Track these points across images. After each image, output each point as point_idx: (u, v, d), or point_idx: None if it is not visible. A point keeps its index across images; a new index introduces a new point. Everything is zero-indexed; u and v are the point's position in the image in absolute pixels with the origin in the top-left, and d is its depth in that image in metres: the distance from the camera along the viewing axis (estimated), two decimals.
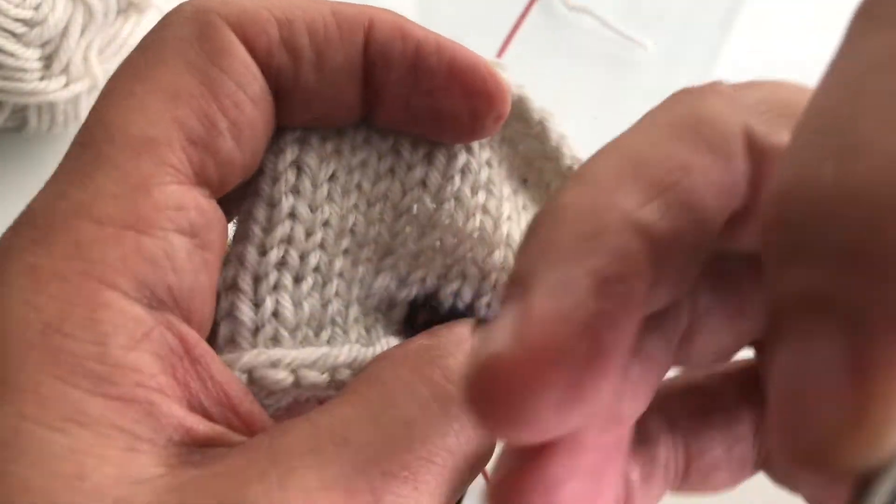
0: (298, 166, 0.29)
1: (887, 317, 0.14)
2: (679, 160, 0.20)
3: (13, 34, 0.50)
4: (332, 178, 0.30)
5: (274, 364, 0.27)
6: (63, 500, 0.20)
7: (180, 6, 0.27)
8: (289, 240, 0.29)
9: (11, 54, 0.50)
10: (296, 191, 0.29)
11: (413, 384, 0.26)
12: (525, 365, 0.17)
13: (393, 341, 0.30)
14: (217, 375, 0.24)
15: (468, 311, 0.31)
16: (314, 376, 0.27)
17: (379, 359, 0.28)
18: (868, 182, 0.14)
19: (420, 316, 0.31)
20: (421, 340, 0.29)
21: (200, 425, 0.23)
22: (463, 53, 0.29)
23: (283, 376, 0.27)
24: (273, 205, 0.29)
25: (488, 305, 0.31)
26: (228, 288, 0.28)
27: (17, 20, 0.49)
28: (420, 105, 0.29)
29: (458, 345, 0.29)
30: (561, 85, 0.35)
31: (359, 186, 0.31)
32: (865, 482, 0.15)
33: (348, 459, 0.23)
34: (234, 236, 0.29)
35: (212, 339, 0.28)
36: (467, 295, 0.31)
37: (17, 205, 0.25)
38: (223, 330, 0.28)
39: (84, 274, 0.23)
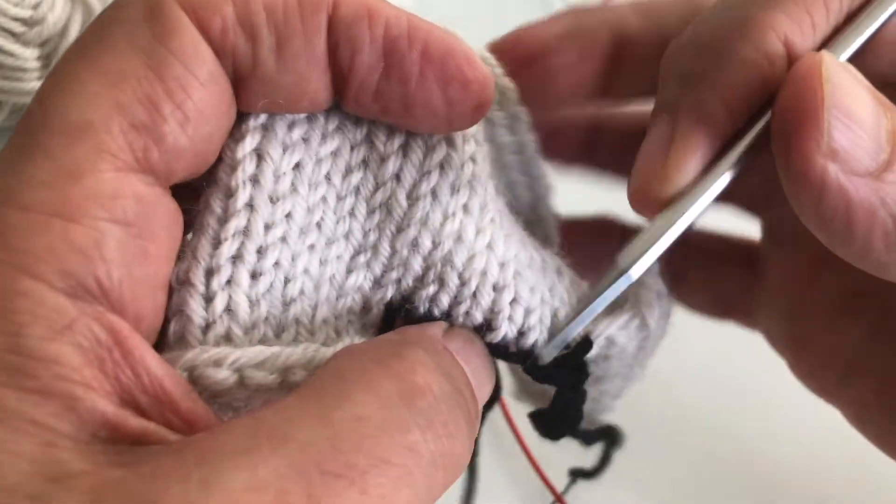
0: (259, 154, 0.28)
1: (688, 110, 0.28)
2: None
3: (12, 33, 0.50)
4: (297, 167, 0.28)
5: (216, 363, 0.25)
6: None
7: None
8: (245, 232, 0.27)
9: (10, 54, 0.50)
10: (255, 180, 0.27)
11: (375, 377, 0.24)
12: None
13: None
14: (154, 370, 0.23)
15: (445, 319, 0.29)
16: (261, 377, 0.25)
17: (342, 352, 0.26)
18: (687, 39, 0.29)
19: (396, 322, 0.29)
20: (388, 336, 0.27)
21: (131, 421, 0.22)
22: (438, 36, 0.27)
23: (224, 376, 0.25)
24: (229, 195, 0.27)
25: (467, 314, 0.29)
26: (180, 283, 0.27)
27: (16, 19, 0.49)
28: (391, 93, 0.27)
29: (429, 341, 0.27)
30: None
31: (328, 178, 0.29)
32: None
33: (285, 459, 0.21)
34: (193, 228, 0.28)
35: (163, 337, 0.26)
36: (444, 301, 0.29)
37: None
38: (172, 327, 0.26)
39: (4, 262, 0.22)
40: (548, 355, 0.29)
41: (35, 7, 0.50)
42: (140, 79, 0.24)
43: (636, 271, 0.26)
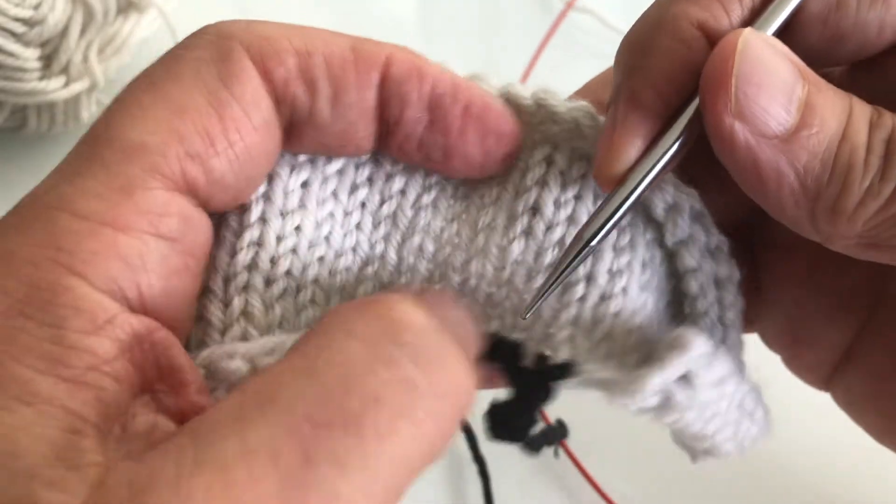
0: (269, 175, 0.30)
1: (624, 98, 0.30)
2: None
3: (13, 34, 0.50)
4: (304, 185, 0.30)
5: (230, 355, 0.26)
6: None
7: (205, 27, 0.28)
8: (258, 243, 0.29)
9: (11, 54, 0.50)
10: (266, 197, 0.30)
11: (355, 320, 0.23)
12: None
13: None
14: (177, 360, 0.24)
15: None
16: (271, 362, 0.26)
17: (328, 311, 0.25)
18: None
19: None
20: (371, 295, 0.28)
21: (151, 416, 0.23)
22: (478, 94, 0.30)
23: (237, 365, 0.26)
24: (244, 210, 0.30)
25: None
26: (202, 293, 0.28)
27: (17, 20, 0.49)
28: (433, 143, 0.30)
29: (406, 293, 0.25)
30: (560, 82, 0.35)
31: (335, 195, 0.31)
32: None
33: (274, 420, 0.20)
34: (213, 246, 0.29)
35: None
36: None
37: None
38: (194, 334, 0.28)
39: (53, 261, 0.23)
40: (525, 319, 0.31)
41: (36, 7, 0.50)
42: (201, 113, 0.26)
43: (597, 239, 0.29)
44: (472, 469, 0.48)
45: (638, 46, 0.31)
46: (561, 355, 0.30)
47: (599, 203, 0.31)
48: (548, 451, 0.51)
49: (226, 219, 0.30)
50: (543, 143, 0.32)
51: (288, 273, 0.30)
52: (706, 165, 0.31)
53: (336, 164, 0.31)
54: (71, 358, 0.22)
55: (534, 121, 0.32)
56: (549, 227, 0.32)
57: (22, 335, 0.22)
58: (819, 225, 0.29)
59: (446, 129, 0.30)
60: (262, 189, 0.30)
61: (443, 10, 0.66)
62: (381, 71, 0.29)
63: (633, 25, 0.32)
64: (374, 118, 0.29)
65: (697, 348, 0.29)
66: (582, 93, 0.37)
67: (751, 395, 0.33)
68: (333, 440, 0.20)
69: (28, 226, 0.24)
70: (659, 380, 0.28)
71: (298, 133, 0.29)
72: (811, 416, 0.45)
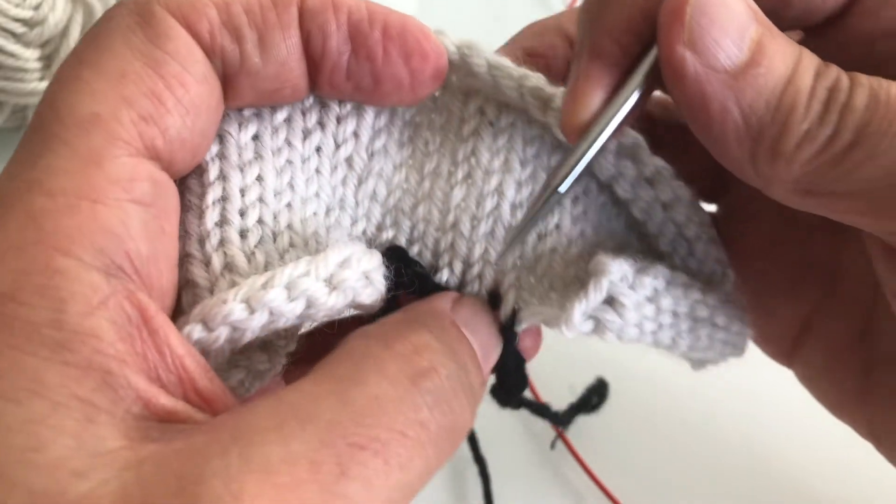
0: (219, 135, 0.30)
1: (586, 51, 0.31)
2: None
3: (13, 34, 0.50)
4: (255, 138, 0.31)
5: (223, 300, 0.26)
6: (17, 474, 0.20)
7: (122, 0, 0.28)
8: (223, 199, 0.29)
9: (11, 54, 0.50)
10: (221, 156, 0.30)
11: (383, 360, 0.26)
12: None
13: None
14: (176, 349, 0.24)
15: (405, 260, 0.32)
16: (266, 295, 0.27)
17: (353, 335, 0.28)
18: None
19: (402, 298, 0.32)
20: (396, 316, 0.29)
21: (161, 398, 0.23)
22: (394, 16, 0.30)
23: (231, 307, 0.26)
24: (202, 172, 0.30)
25: (419, 254, 0.33)
26: (181, 259, 0.28)
27: (17, 20, 0.50)
28: (360, 71, 0.30)
29: (435, 319, 0.29)
30: None
31: (289, 143, 0.32)
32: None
33: (313, 434, 0.22)
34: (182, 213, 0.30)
35: (175, 317, 0.27)
36: (402, 242, 0.33)
37: None
38: (184, 299, 0.28)
39: (39, 243, 0.23)
40: (499, 266, 0.33)
41: (36, 8, 0.50)
42: (141, 76, 0.26)
43: (564, 186, 0.31)
44: (473, 470, 0.48)
45: (599, 1, 0.31)
46: (511, 296, 0.33)
47: (532, 149, 0.34)
48: (546, 447, 0.52)
49: (187, 185, 0.30)
50: (476, 95, 0.34)
51: (260, 221, 0.30)
52: (669, 135, 0.32)
53: (282, 113, 0.32)
54: (74, 342, 0.22)
55: (460, 73, 0.33)
56: (487, 174, 0.34)
57: (19, 323, 0.22)
58: (759, 167, 0.29)
59: (370, 54, 0.30)
60: (214, 149, 0.30)
61: (443, 10, 0.66)
62: (297, 6, 0.29)
63: None
64: (303, 55, 0.29)
65: (613, 273, 0.31)
66: (512, 44, 0.37)
67: (713, 305, 0.34)
68: (365, 461, 0.23)
69: (2, 214, 0.23)
70: (581, 309, 0.30)
71: (234, 85, 0.29)
72: (806, 409, 0.45)
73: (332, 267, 0.28)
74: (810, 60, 0.29)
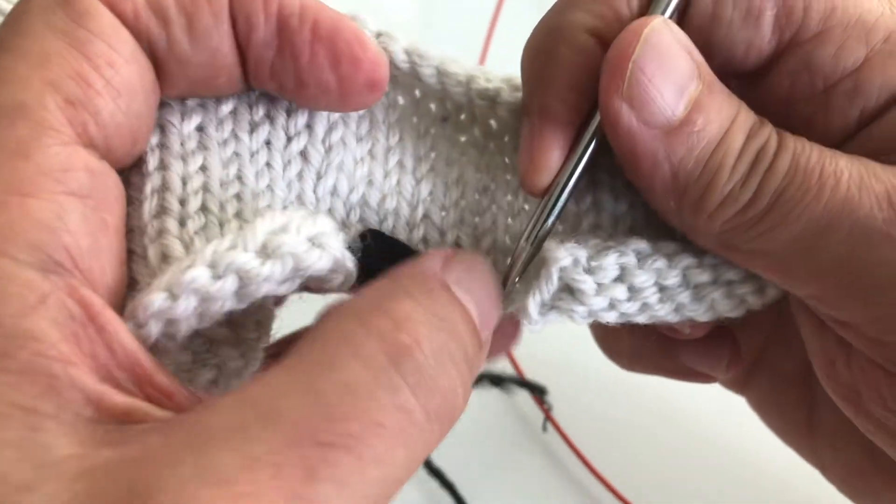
0: (160, 124, 0.29)
1: (536, 113, 0.31)
2: None
3: None
4: (199, 129, 0.30)
5: (149, 292, 0.24)
6: None
7: None
8: (163, 188, 0.28)
9: None
10: (162, 146, 0.29)
11: (357, 339, 0.23)
12: None
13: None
14: (128, 344, 0.23)
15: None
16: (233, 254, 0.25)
17: (326, 315, 0.25)
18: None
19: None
20: (377, 284, 0.26)
21: (114, 397, 0.21)
22: (328, 15, 0.28)
23: (152, 299, 0.24)
24: (141, 164, 0.28)
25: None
26: (128, 258, 0.27)
27: None
28: (285, 70, 0.28)
29: (420, 283, 0.26)
30: None
31: (235, 136, 0.30)
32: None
33: (279, 434, 0.21)
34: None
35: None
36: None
37: None
38: (128, 303, 0.26)
39: None
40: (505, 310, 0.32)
41: None
42: (65, 57, 0.24)
43: (535, 238, 0.31)
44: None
45: (540, 56, 0.31)
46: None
47: (486, 137, 0.34)
48: (537, 427, 0.54)
49: (129, 180, 0.28)
50: (426, 95, 0.34)
51: (204, 209, 0.28)
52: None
53: (228, 105, 0.31)
54: (11, 347, 0.20)
55: (409, 74, 0.32)
56: (448, 165, 0.34)
57: None
58: (683, 217, 0.30)
59: (294, 52, 0.28)
60: (155, 139, 0.29)
61: (443, 9, 0.67)
62: None
63: (533, 32, 0.32)
64: (234, 43, 0.28)
65: (562, 259, 0.30)
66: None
67: (716, 264, 0.32)
68: (336, 460, 0.21)
69: None
70: (535, 302, 0.30)
71: (165, 71, 0.27)
72: None
73: (262, 235, 0.25)
74: (745, 119, 0.29)
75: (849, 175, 0.28)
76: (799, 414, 0.40)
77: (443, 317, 0.25)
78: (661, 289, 0.31)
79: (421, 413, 0.23)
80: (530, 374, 0.55)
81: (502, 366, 0.55)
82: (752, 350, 0.41)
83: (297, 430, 0.21)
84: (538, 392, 0.53)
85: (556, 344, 0.51)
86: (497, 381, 0.53)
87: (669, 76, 0.28)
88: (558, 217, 0.31)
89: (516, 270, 0.31)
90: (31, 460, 0.19)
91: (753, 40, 0.30)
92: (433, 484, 0.50)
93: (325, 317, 0.25)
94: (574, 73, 0.30)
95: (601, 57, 0.29)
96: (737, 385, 0.43)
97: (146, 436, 0.21)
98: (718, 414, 0.52)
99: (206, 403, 0.22)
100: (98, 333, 0.22)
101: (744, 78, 0.31)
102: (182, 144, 0.29)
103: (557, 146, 0.31)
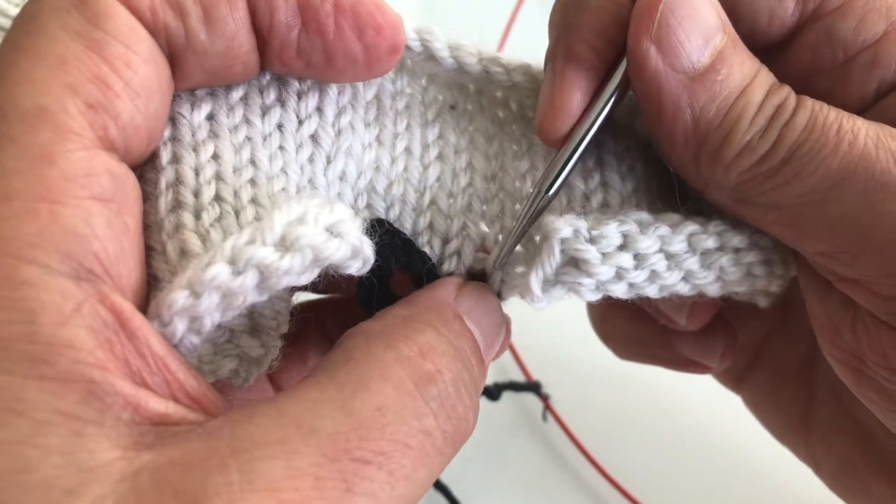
0: (171, 118, 0.29)
1: (561, 56, 0.31)
2: None
3: None
4: (210, 118, 0.30)
5: (171, 291, 0.25)
6: (6, 498, 0.19)
7: None
8: (176, 182, 0.28)
9: None
10: (174, 139, 0.29)
11: (386, 363, 0.25)
12: None
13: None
14: (157, 350, 0.23)
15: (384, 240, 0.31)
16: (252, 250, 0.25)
17: (353, 333, 0.27)
18: None
19: (395, 275, 0.31)
20: (397, 310, 0.28)
21: (150, 401, 0.22)
22: None
23: (175, 297, 0.25)
24: (154, 159, 0.29)
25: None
26: (146, 254, 0.27)
27: None
28: (312, 47, 0.29)
29: (438, 312, 0.28)
30: None
31: (247, 121, 0.30)
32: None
33: (316, 448, 0.22)
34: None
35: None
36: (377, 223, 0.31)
37: None
38: (151, 301, 0.26)
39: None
40: (496, 271, 0.33)
41: None
42: (83, 60, 0.24)
43: (553, 190, 0.31)
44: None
45: (572, 6, 0.32)
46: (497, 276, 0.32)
47: (494, 124, 0.34)
48: (537, 415, 0.54)
49: (143, 176, 0.28)
50: (433, 81, 0.34)
51: (218, 198, 0.28)
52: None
53: (238, 92, 0.30)
54: (51, 354, 0.21)
55: (419, 58, 0.33)
56: (457, 152, 0.34)
57: None
58: (700, 169, 0.31)
59: (320, 29, 0.29)
60: (167, 133, 0.29)
61: (443, 11, 0.67)
62: None
63: None
64: (251, 30, 0.28)
65: (562, 231, 0.30)
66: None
67: (721, 231, 0.32)
68: (369, 475, 0.23)
69: None
70: (538, 278, 0.30)
71: (182, 64, 0.27)
72: None
73: (280, 228, 0.26)
74: (765, 77, 0.30)
75: (866, 132, 0.29)
76: (795, 409, 0.41)
77: (458, 346, 0.28)
78: (668, 256, 0.31)
79: (440, 436, 0.25)
80: (530, 365, 0.56)
81: (502, 359, 0.56)
82: (753, 344, 0.42)
83: (335, 446, 0.22)
84: (532, 390, 0.54)
85: (556, 333, 0.53)
86: (493, 394, 0.54)
87: (697, 24, 0.29)
88: (569, 175, 0.30)
89: (520, 223, 0.31)
90: (76, 465, 0.20)
91: (777, 11, 0.31)
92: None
93: (351, 338, 0.27)
94: (603, 20, 0.31)
95: (630, 8, 0.30)
96: (734, 380, 0.44)
97: (186, 440, 0.21)
98: (714, 406, 0.53)
99: (241, 411, 0.23)
100: (129, 339, 0.23)
101: (764, 52, 0.32)
102: (193, 135, 0.29)
103: (580, 89, 0.31)
